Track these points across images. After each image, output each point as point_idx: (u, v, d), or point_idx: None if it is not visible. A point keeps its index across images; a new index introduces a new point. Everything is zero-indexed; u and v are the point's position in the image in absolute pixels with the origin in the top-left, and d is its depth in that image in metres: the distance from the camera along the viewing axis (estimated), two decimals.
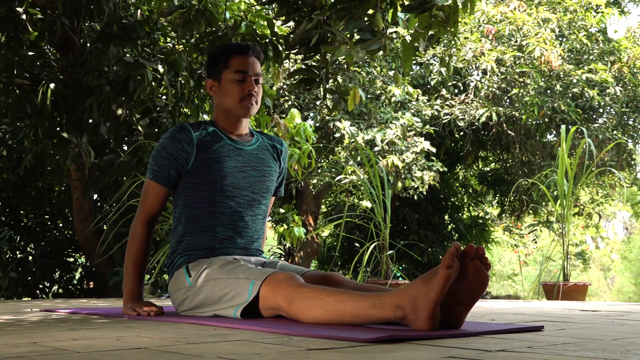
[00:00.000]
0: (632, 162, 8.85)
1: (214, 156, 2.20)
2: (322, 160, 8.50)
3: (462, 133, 9.54)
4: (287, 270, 2.14)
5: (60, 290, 6.33)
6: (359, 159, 7.71)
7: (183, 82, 4.72)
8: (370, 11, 3.05)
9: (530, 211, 10.20)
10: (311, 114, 8.36)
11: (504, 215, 11.80)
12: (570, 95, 8.37)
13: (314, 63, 3.57)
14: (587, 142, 4.98)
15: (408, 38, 3.13)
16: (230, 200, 2.21)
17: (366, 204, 6.84)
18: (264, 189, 2.31)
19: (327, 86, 3.38)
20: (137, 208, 2.27)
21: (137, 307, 2.17)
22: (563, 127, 5.07)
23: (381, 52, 2.97)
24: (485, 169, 11.49)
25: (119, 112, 4.74)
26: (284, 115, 6.26)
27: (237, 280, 1.98)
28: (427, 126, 8.28)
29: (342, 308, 1.73)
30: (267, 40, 3.87)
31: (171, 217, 4.37)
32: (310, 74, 3.33)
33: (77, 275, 6.53)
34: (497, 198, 11.54)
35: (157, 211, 2.26)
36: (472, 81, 8.92)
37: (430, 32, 3.12)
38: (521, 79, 8.56)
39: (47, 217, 6.54)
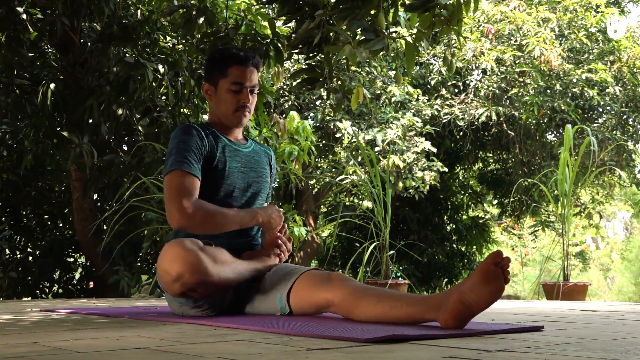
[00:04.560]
0: (632, 163, 8.84)
1: (218, 155, 2.21)
2: (323, 160, 8.49)
3: (462, 133, 9.53)
4: (287, 270, 2.13)
5: (60, 290, 6.32)
6: (359, 159, 7.71)
7: (183, 82, 4.72)
8: (373, 11, 3.04)
9: (530, 212, 10.18)
10: (311, 114, 8.36)
11: (504, 215, 11.78)
12: (569, 94, 8.37)
13: (316, 62, 3.57)
14: (590, 139, 4.94)
15: (409, 38, 3.13)
16: (231, 200, 2.23)
17: (367, 203, 6.84)
18: (261, 190, 2.33)
19: (331, 85, 3.38)
20: (169, 205, 2.08)
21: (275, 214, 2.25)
22: (568, 126, 5.01)
23: (383, 52, 2.97)
24: (485, 169, 11.48)
25: (119, 112, 4.74)
26: (283, 116, 6.25)
27: None
28: (428, 126, 8.28)
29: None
30: (268, 40, 3.87)
31: None
32: (313, 73, 3.33)
33: (77, 275, 6.52)
34: (497, 198, 11.52)
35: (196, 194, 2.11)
36: (472, 81, 8.91)
37: (433, 31, 3.11)
38: (521, 79, 8.55)
39: (47, 217, 6.53)
